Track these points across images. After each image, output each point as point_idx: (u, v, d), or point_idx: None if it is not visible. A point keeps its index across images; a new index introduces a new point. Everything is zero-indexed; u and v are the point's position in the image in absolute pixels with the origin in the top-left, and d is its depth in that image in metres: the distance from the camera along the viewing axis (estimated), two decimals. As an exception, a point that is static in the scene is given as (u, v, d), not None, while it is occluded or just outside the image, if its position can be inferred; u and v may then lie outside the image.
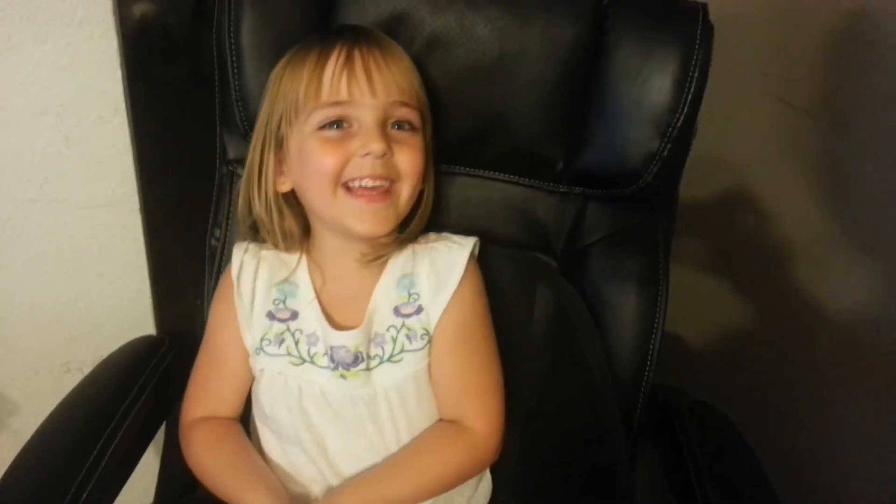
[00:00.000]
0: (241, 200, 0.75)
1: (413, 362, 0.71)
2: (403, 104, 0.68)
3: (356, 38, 0.68)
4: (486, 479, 0.79)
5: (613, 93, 0.76)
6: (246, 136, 0.80)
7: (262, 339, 0.72)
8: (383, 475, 0.70)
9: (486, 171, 0.84)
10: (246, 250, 0.76)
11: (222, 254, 0.85)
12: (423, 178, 0.73)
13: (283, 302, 0.73)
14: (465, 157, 0.83)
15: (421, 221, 0.75)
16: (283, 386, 0.72)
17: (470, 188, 0.84)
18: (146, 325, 1.02)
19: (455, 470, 0.71)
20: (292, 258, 0.75)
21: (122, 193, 0.92)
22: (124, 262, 0.98)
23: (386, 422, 0.71)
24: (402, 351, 0.71)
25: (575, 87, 0.78)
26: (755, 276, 1.30)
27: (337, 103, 0.66)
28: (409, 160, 0.69)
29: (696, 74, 0.72)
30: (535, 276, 0.83)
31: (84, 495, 0.66)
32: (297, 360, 0.71)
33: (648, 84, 0.74)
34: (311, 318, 0.72)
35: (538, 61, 0.76)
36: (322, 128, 0.67)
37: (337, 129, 0.67)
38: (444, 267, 0.72)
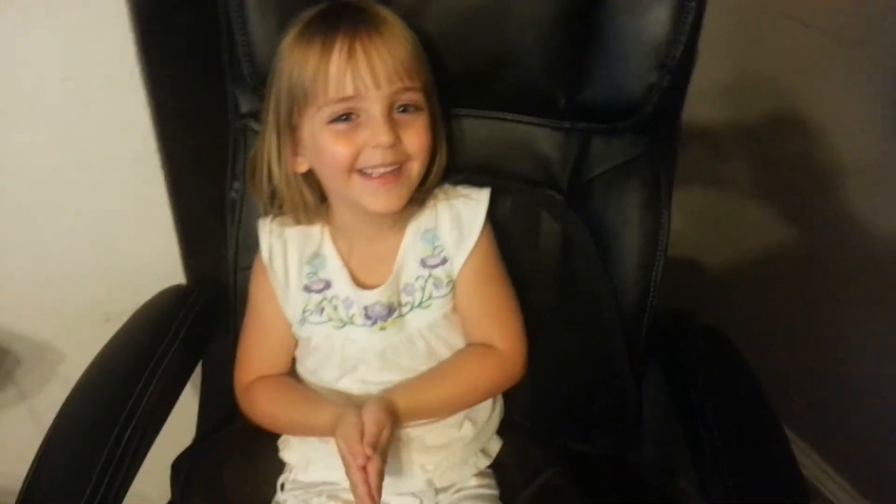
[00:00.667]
0: (257, 177, 0.78)
1: (441, 305, 0.77)
2: (407, 89, 0.71)
3: (356, 23, 0.70)
4: (500, 401, 0.84)
5: (612, 26, 0.76)
6: (256, 90, 0.82)
7: (303, 311, 0.78)
8: (428, 380, 0.77)
9: (490, 111, 0.85)
10: (271, 232, 0.80)
11: (241, 204, 0.89)
12: (435, 143, 0.76)
13: (316, 274, 0.78)
14: (469, 99, 0.84)
15: (436, 179, 0.79)
16: (327, 348, 0.78)
17: (475, 128, 0.86)
18: (176, 275, 1.06)
19: (489, 380, 0.79)
20: (315, 231, 0.80)
21: (144, 152, 0.96)
22: (152, 217, 1.02)
23: (423, 361, 0.77)
24: (430, 298, 0.77)
25: (573, 23, 0.78)
26: (794, 202, 1.30)
27: (344, 99, 0.69)
28: (416, 141, 0.72)
29: (693, 3, 0.73)
30: (541, 208, 0.85)
31: (128, 432, 0.72)
32: (339, 324, 0.77)
33: (646, 16, 0.74)
34: (342, 284, 0.77)
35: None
36: (332, 121, 0.70)
37: (346, 121, 0.70)
38: (464, 221, 0.78)
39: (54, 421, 0.72)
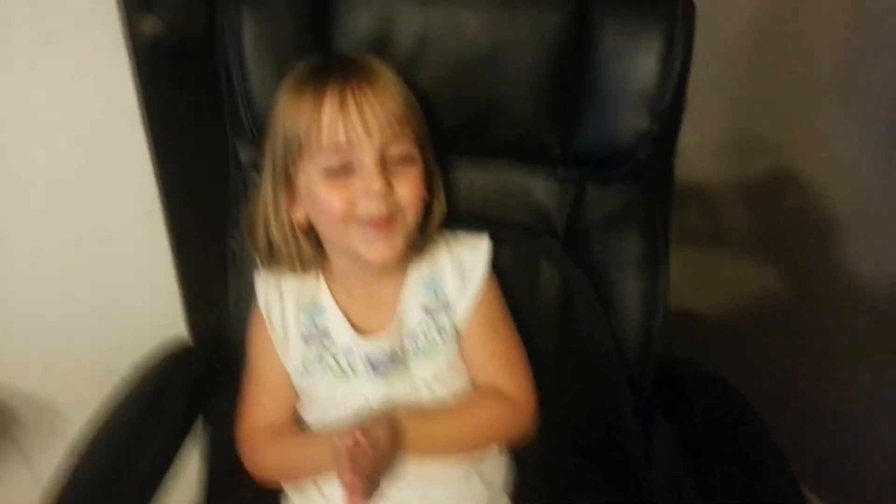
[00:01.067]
0: (255, 229, 0.78)
1: (446, 353, 0.77)
2: (399, 140, 0.72)
3: (347, 74, 0.71)
4: (511, 464, 0.83)
5: (601, 75, 0.78)
6: (255, 140, 0.83)
7: (302, 363, 0.78)
8: (436, 413, 0.75)
9: (486, 159, 0.87)
10: (267, 283, 0.81)
11: (242, 255, 0.89)
12: (431, 192, 0.77)
13: (313, 323, 0.78)
14: (464, 145, 0.86)
15: (436, 226, 0.80)
16: (329, 399, 0.78)
17: (471, 175, 0.87)
18: (177, 327, 1.07)
19: (499, 423, 0.78)
20: (311, 280, 0.80)
21: (147, 207, 0.97)
22: (155, 272, 1.03)
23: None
24: (434, 344, 0.77)
25: (564, 72, 0.80)
26: (789, 251, 1.31)
27: (337, 148, 0.70)
28: (408, 192, 0.72)
29: (680, 51, 0.74)
30: (540, 256, 0.86)
31: (127, 494, 0.71)
32: (339, 373, 0.77)
33: (634, 64, 0.76)
34: (342, 332, 0.77)
35: (527, 49, 0.79)
36: (326, 172, 0.71)
37: (340, 171, 0.71)
38: (467, 268, 0.79)
39: (53, 485, 0.71)
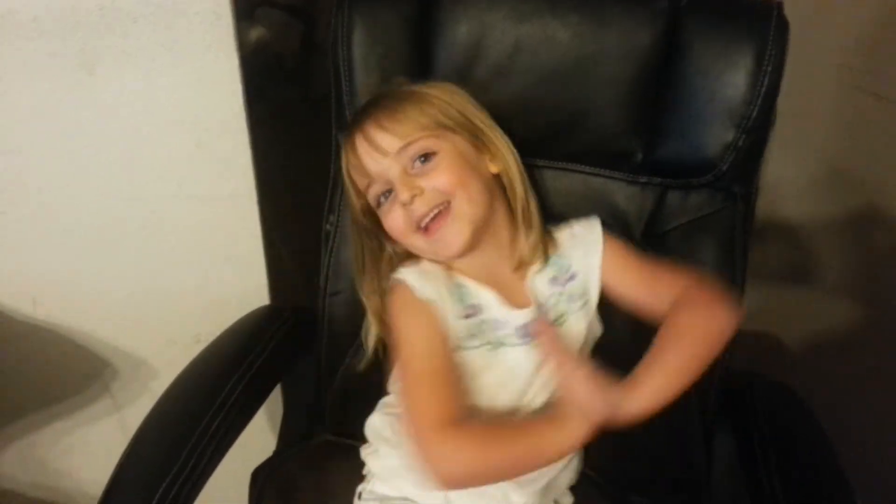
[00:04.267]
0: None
1: (577, 319, 0.79)
2: (412, 143, 0.75)
3: (367, 114, 0.78)
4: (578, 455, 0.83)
5: (688, 88, 0.81)
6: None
7: (458, 339, 0.77)
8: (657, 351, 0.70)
9: (569, 164, 0.89)
10: (411, 271, 0.79)
11: (335, 236, 0.95)
12: (509, 174, 0.80)
13: (463, 301, 0.78)
14: (549, 151, 0.89)
15: (533, 215, 0.81)
16: (482, 371, 0.77)
17: (553, 179, 0.90)
18: (263, 302, 1.12)
19: (706, 311, 0.73)
20: (442, 269, 0.80)
21: (243, 189, 1.04)
22: (245, 247, 1.09)
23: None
24: (564, 314, 0.79)
25: (651, 85, 0.83)
26: (877, 290, 1.29)
27: (370, 182, 0.78)
28: (442, 180, 0.75)
29: (769, 69, 0.75)
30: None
31: (203, 442, 0.75)
32: (493, 346, 0.77)
33: (722, 79, 0.78)
34: (491, 306, 0.78)
35: (616, 62, 0.82)
36: (375, 200, 0.79)
37: (387, 197, 0.78)
38: (584, 237, 0.82)
39: (137, 430, 0.77)
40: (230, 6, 0.90)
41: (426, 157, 0.76)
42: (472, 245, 0.77)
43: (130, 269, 1.08)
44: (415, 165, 0.76)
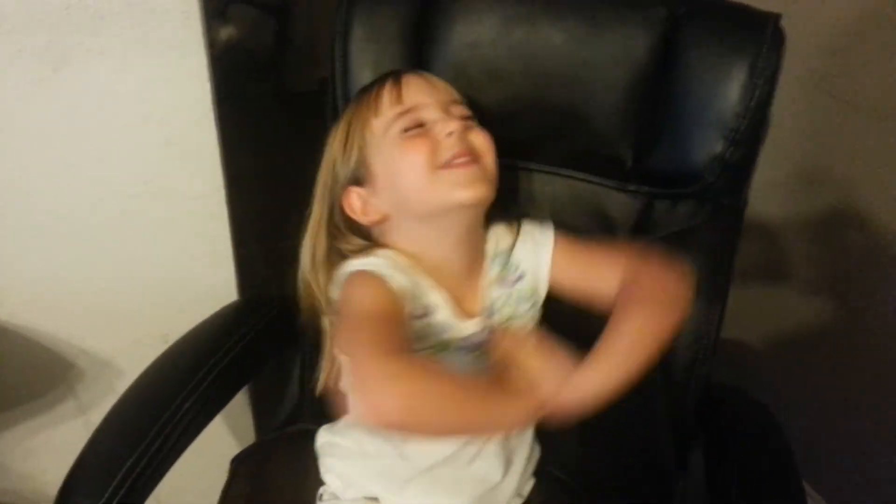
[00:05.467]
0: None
1: (527, 321, 0.78)
2: (459, 103, 0.75)
3: (407, 70, 0.77)
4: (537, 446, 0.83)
5: (680, 98, 0.80)
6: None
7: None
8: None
9: (559, 168, 0.89)
10: (378, 261, 0.76)
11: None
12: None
13: (417, 298, 0.75)
14: (540, 155, 0.88)
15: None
16: None
17: (542, 183, 0.89)
18: (233, 298, 1.10)
19: (658, 285, 0.70)
20: (405, 268, 0.76)
21: (212, 187, 1.02)
22: (214, 245, 1.07)
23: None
24: (513, 316, 0.77)
25: (645, 91, 0.82)
26: (850, 289, 1.30)
27: (407, 110, 0.73)
28: (481, 139, 0.74)
29: (761, 81, 0.74)
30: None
31: (161, 438, 0.74)
32: (437, 350, 0.75)
33: (714, 90, 0.78)
34: (442, 310, 0.75)
35: (611, 68, 0.81)
36: (402, 131, 0.73)
37: (415, 129, 0.73)
38: (535, 235, 0.79)
39: (97, 426, 0.76)
40: (199, 4, 0.88)
41: (466, 119, 0.75)
42: (478, 213, 0.76)
43: (96, 267, 1.05)
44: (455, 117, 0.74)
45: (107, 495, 0.69)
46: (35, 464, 1.20)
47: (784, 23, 0.77)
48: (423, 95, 0.74)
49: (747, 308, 1.41)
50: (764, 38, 0.75)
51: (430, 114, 0.73)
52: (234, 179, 1.01)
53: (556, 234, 0.79)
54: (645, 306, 0.67)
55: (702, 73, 0.78)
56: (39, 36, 0.86)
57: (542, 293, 0.79)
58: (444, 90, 0.76)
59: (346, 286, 0.74)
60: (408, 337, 0.69)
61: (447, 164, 0.72)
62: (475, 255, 0.78)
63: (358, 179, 0.76)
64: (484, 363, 0.75)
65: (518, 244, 0.79)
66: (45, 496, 1.23)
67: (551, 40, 0.82)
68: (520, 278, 0.78)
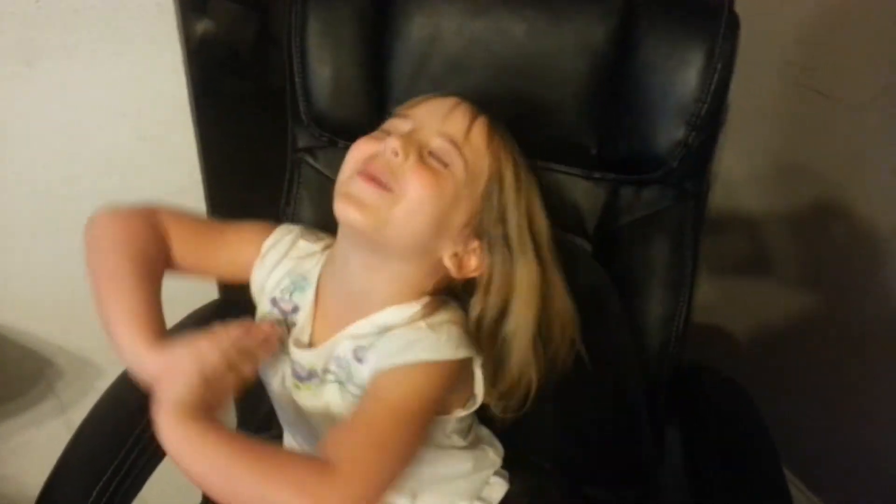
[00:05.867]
0: None
1: (346, 394, 0.68)
2: (454, 143, 0.66)
3: (473, 108, 0.70)
4: (496, 444, 0.81)
5: (641, 84, 0.81)
6: (309, 126, 0.89)
7: (259, 319, 0.74)
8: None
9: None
10: (289, 230, 0.76)
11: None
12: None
13: (291, 293, 0.72)
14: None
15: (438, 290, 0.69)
16: (270, 367, 0.73)
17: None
18: (213, 296, 1.10)
19: (295, 478, 0.56)
20: (317, 256, 0.74)
21: (190, 184, 1.02)
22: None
23: (322, 431, 0.70)
24: (346, 378, 0.68)
25: (605, 79, 0.83)
26: (830, 279, 1.32)
27: (403, 115, 0.68)
28: (414, 182, 0.63)
29: (719, 66, 0.76)
30: (569, 259, 0.86)
31: (143, 442, 0.73)
32: (285, 347, 0.71)
33: (673, 76, 0.79)
34: (302, 320, 0.71)
35: (571, 57, 0.82)
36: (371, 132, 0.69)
37: (381, 133, 0.67)
38: (417, 344, 0.64)
39: (77, 427, 0.76)
40: (174, -1, 0.89)
41: (438, 156, 0.65)
42: (360, 244, 0.66)
43: (72, 266, 1.01)
44: (424, 154, 0.65)
45: (91, 500, 0.69)
46: (16, 465, 1.19)
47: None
48: (435, 112, 0.67)
49: (728, 299, 1.45)
50: (719, 22, 0.76)
51: (405, 128, 0.67)
52: (212, 175, 1.02)
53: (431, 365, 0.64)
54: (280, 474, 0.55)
55: (660, 60, 0.79)
56: (11, 31, 0.87)
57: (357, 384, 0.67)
58: (459, 125, 0.67)
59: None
60: (209, 244, 0.72)
61: (360, 173, 0.64)
62: (357, 297, 0.68)
63: None
64: (305, 401, 0.70)
65: (399, 333, 0.66)
66: (26, 498, 1.22)
67: (511, 31, 0.83)
68: (361, 361, 0.67)
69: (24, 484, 1.21)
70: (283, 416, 0.78)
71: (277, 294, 0.73)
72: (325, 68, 0.86)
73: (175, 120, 0.97)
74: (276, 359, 0.71)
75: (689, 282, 0.85)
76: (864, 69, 1.16)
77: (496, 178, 0.67)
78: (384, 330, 0.66)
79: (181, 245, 0.71)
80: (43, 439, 1.15)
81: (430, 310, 0.67)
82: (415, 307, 0.67)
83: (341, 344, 0.68)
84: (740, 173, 1.34)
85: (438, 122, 0.66)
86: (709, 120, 0.78)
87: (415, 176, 0.63)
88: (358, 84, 0.87)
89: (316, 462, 0.57)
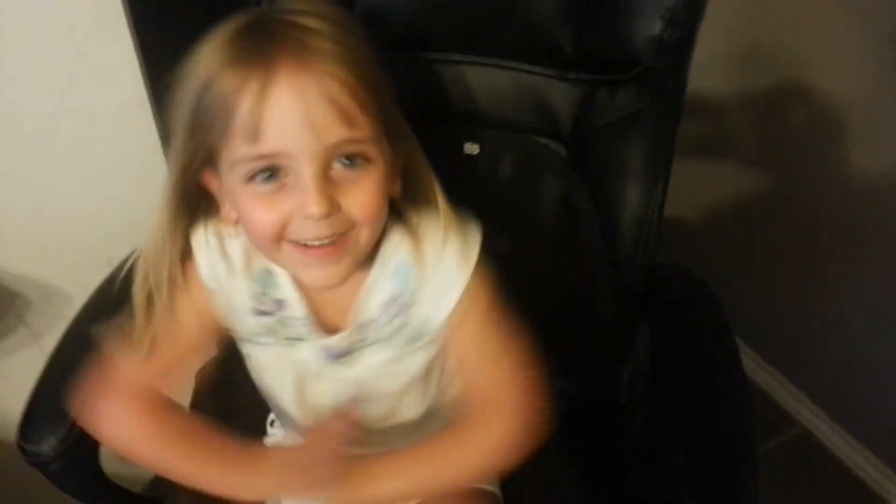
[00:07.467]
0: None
1: (398, 347, 0.68)
2: (349, 141, 0.55)
3: (279, 52, 0.53)
4: None
5: (617, -23, 0.76)
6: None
7: (248, 334, 0.68)
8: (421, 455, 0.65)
9: (494, 59, 0.86)
10: (209, 247, 0.64)
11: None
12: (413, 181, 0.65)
13: (266, 294, 0.66)
14: (477, 47, 0.85)
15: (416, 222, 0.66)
16: (274, 366, 0.71)
17: (482, 78, 0.87)
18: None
19: (490, 446, 0.64)
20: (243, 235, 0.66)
21: (134, 99, 0.96)
22: (145, 163, 1.03)
23: (373, 397, 0.70)
24: (392, 335, 0.67)
25: None
26: (789, 162, 1.33)
27: (260, 151, 0.54)
28: (361, 205, 0.57)
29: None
30: (543, 165, 0.86)
31: None
32: (288, 344, 0.68)
33: (650, -32, 0.74)
34: (296, 309, 0.66)
35: None
36: (251, 179, 0.56)
37: (269, 180, 0.55)
38: (449, 269, 0.64)
39: (50, 354, 0.77)
40: None
41: (353, 160, 0.57)
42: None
43: (24, 192, 1.01)
44: (335, 166, 0.56)
45: (65, 427, 0.69)
46: (-6, 393, 1.19)
47: None
48: (300, 135, 0.53)
49: (687, 184, 1.45)
50: None
51: (298, 168, 0.54)
52: (158, 90, 0.96)
53: (473, 280, 0.64)
54: (458, 456, 0.64)
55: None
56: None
57: (428, 338, 0.67)
58: (338, 121, 0.54)
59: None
60: (185, 351, 0.66)
61: (297, 244, 0.58)
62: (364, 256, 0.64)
63: (211, 162, 0.59)
64: (345, 373, 0.68)
65: (432, 265, 0.64)
66: (5, 424, 1.23)
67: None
68: (412, 305, 0.65)
69: (2, 411, 1.21)
70: (289, 409, 0.73)
71: (255, 303, 0.66)
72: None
73: (109, 31, 0.90)
74: (280, 357, 0.69)
75: (665, 182, 0.84)
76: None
77: (376, 110, 0.57)
78: (394, 271, 0.65)
79: (160, 373, 0.66)
80: (18, 368, 1.14)
81: (409, 229, 0.66)
82: (395, 237, 0.65)
83: (364, 311, 0.66)
84: (702, 55, 1.31)
85: (303, 139, 0.53)
86: (686, 15, 0.75)
87: (356, 200, 0.57)
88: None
89: (487, 433, 0.64)
